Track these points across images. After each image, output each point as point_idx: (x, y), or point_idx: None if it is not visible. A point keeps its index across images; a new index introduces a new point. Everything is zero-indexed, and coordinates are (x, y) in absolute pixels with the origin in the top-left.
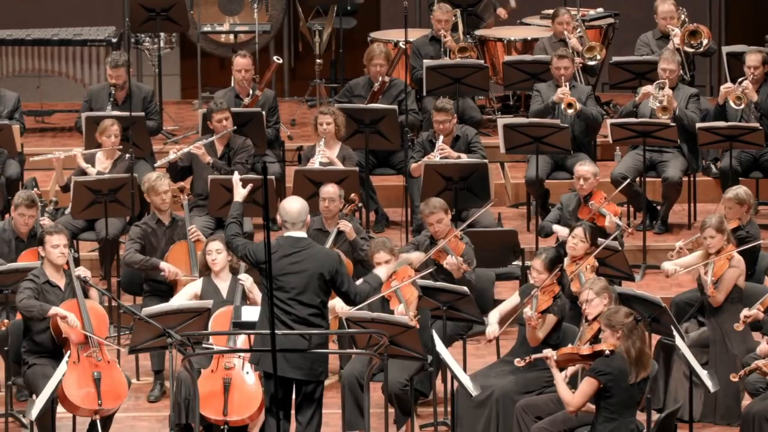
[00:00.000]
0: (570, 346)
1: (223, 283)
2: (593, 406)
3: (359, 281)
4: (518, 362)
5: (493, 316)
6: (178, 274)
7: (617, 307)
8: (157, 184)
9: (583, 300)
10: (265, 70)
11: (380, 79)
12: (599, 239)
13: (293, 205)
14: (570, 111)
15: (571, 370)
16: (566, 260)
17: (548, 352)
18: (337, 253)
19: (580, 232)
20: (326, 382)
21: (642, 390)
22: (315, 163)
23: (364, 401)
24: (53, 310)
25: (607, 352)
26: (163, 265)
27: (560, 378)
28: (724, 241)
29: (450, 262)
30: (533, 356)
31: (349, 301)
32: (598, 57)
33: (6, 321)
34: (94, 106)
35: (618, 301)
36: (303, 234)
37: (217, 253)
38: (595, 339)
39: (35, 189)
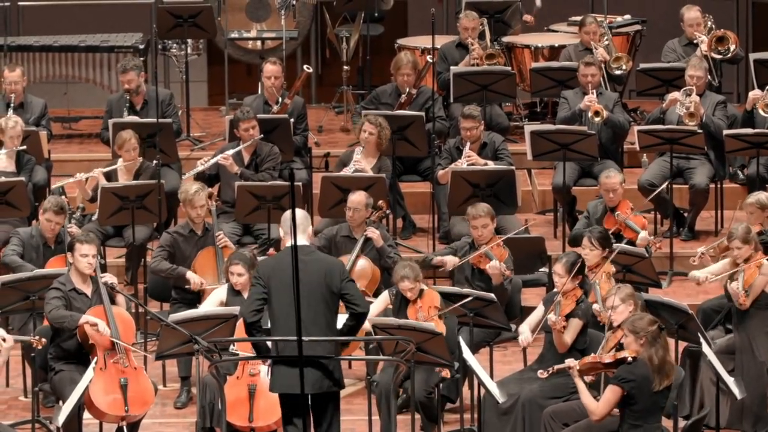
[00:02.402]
0: (592, 355)
1: (246, 293)
2: (618, 412)
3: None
4: (541, 374)
5: (524, 328)
6: (204, 284)
7: (642, 313)
8: (195, 198)
9: (608, 306)
10: (295, 79)
11: (407, 90)
12: (614, 244)
13: (297, 213)
14: (597, 119)
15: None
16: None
17: (570, 362)
18: (340, 261)
19: (587, 242)
20: (353, 389)
21: (666, 396)
22: (349, 171)
23: (391, 408)
24: (84, 318)
25: (630, 359)
26: (189, 275)
27: (584, 387)
28: (751, 249)
29: (493, 266)
30: (556, 367)
31: (362, 313)
32: (624, 67)
33: (43, 340)
34: (114, 116)
35: (644, 308)
36: (306, 241)
37: (238, 276)
38: (620, 346)
39: (63, 195)
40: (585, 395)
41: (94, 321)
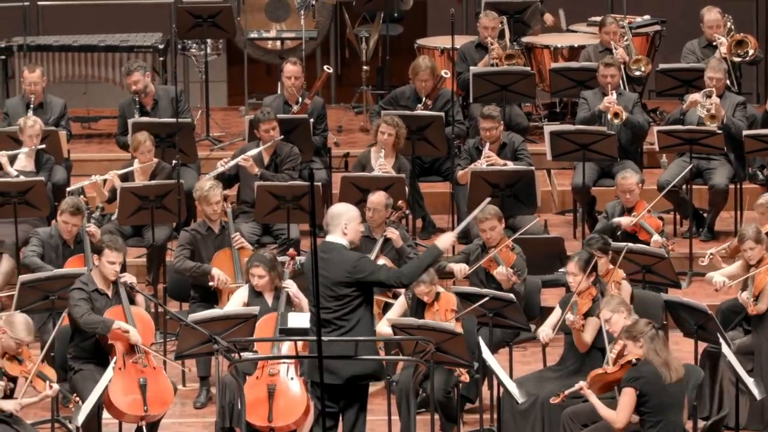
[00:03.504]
0: (597, 371)
1: (267, 294)
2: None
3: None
4: (554, 400)
5: (544, 328)
6: (228, 282)
7: (634, 318)
8: (210, 194)
9: (603, 319)
10: (315, 80)
11: (424, 100)
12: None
13: (333, 208)
14: (616, 121)
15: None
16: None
17: (580, 384)
18: (354, 257)
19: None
20: (372, 389)
21: (682, 391)
22: (377, 171)
23: (411, 408)
24: (117, 324)
25: (634, 361)
26: (214, 271)
27: (598, 402)
28: (764, 250)
29: (500, 272)
30: (567, 391)
31: (395, 286)
32: (643, 69)
33: (79, 401)
34: (128, 120)
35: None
36: (338, 239)
37: (259, 278)
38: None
39: (81, 195)
40: (601, 408)
41: (126, 328)
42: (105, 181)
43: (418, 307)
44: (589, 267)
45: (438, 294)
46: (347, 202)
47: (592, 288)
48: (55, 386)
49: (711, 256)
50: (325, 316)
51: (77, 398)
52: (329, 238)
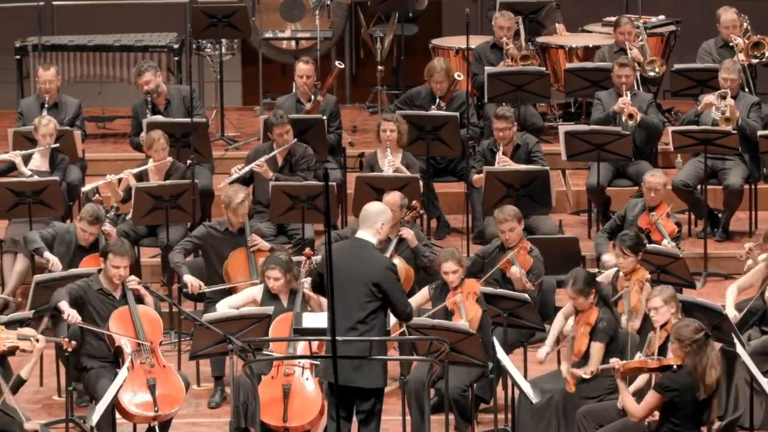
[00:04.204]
0: (638, 358)
1: (282, 296)
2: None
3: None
4: (585, 373)
5: (550, 338)
6: (202, 287)
7: (689, 320)
8: (239, 208)
9: (650, 307)
10: (327, 76)
11: (438, 101)
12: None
13: (372, 206)
14: (631, 122)
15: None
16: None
17: (615, 363)
18: (389, 262)
19: (618, 251)
20: (386, 389)
21: (708, 405)
22: (390, 171)
23: (424, 406)
24: (63, 305)
25: (675, 367)
26: (187, 278)
27: (625, 388)
28: None
29: (513, 272)
30: (600, 367)
31: (399, 314)
32: (658, 70)
33: (73, 343)
34: (141, 120)
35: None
36: (370, 237)
37: (275, 280)
38: (663, 346)
39: (96, 195)
40: (626, 396)
41: (65, 311)
42: (120, 180)
43: (440, 295)
44: (588, 286)
45: (463, 280)
46: (362, 203)
47: (592, 313)
48: (41, 337)
49: (750, 251)
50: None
51: (72, 342)
52: (361, 234)
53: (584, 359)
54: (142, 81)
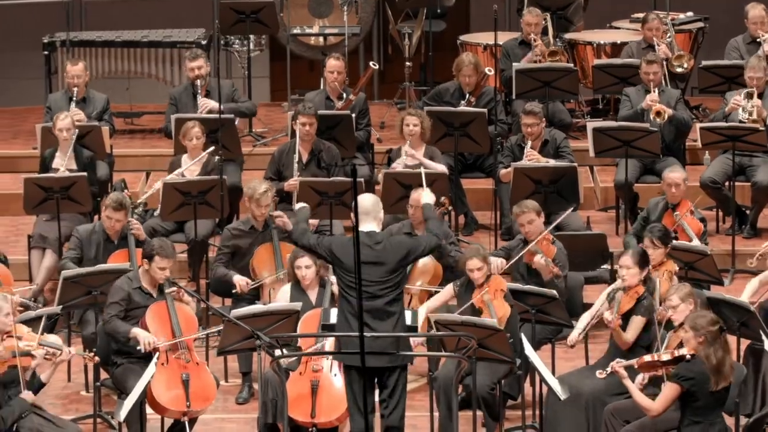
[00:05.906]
0: (651, 354)
1: (311, 291)
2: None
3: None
4: (600, 374)
5: (582, 321)
6: (249, 284)
7: (705, 312)
8: (262, 198)
9: (668, 305)
10: (361, 75)
11: (467, 96)
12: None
13: (367, 198)
14: (659, 120)
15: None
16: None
17: (634, 361)
18: (404, 238)
19: (648, 242)
20: (415, 385)
21: (726, 393)
22: (399, 167)
23: (452, 402)
24: (133, 332)
25: (688, 356)
26: (236, 278)
27: (633, 387)
28: None
29: (538, 261)
30: (614, 367)
31: (437, 244)
32: (686, 65)
33: (96, 358)
34: (180, 109)
35: (706, 308)
36: (376, 228)
37: (306, 268)
38: (681, 345)
39: (125, 190)
40: (636, 394)
41: (147, 340)
42: (148, 176)
43: (466, 292)
44: (644, 263)
45: (489, 276)
46: (390, 199)
47: (640, 286)
48: (65, 349)
49: (760, 257)
50: (377, 304)
51: (95, 358)
52: (368, 228)
53: (624, 322)
54: (194, 65)
